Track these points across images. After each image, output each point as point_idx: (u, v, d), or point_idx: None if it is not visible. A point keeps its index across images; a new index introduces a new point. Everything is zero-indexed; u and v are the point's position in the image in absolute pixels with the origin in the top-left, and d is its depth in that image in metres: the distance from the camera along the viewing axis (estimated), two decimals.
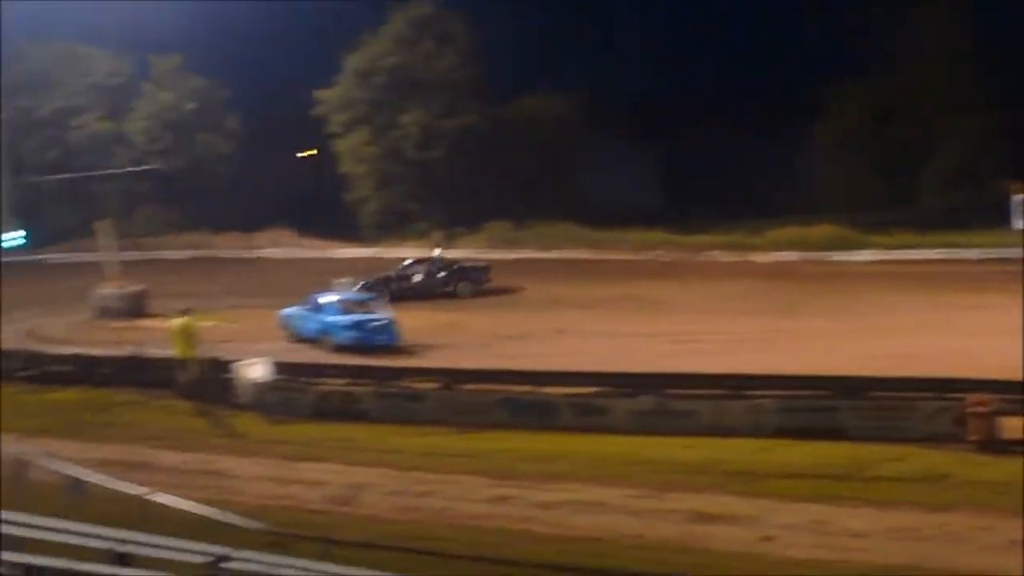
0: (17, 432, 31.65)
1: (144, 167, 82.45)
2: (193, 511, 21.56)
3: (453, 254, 60.90)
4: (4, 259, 73.44)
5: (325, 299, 45.31)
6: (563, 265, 64.16)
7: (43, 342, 47.04)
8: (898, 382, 31.37)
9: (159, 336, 42.58)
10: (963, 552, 21.24)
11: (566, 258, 66.37)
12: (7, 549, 6.89)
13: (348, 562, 17.72)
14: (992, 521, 22.32)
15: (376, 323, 43.74)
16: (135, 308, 52.75)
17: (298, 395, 35.25)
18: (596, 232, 69.17)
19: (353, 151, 78.00)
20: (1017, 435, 27.46)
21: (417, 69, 76.92)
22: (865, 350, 38.17)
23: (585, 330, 45.63)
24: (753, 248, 65.31)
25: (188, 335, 37.00)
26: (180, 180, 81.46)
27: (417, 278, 56.65)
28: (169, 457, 30.56)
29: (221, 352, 38.22)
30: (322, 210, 75.43)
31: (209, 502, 23.46)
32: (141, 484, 23.07)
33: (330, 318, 44.02)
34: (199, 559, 9.16)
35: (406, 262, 58.23)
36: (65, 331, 49.96)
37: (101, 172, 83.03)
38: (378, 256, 68.68)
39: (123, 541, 8.81)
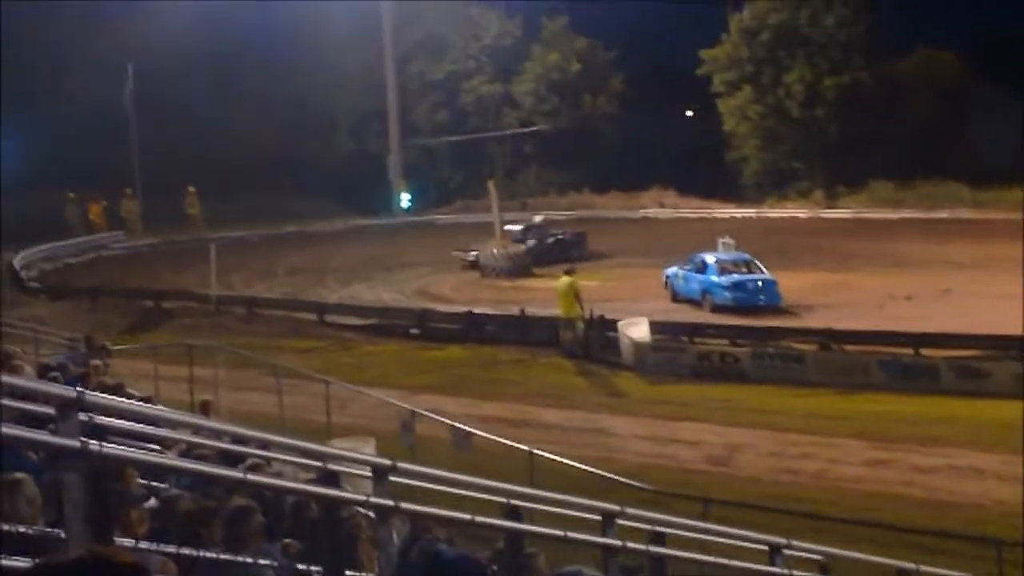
0: (406, 387, 33.14)
1: (530, 128, 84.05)
2: (577, 468, 22.12)
3: (835, 213, 59.75)
4: (396, 220, 76.49)
5: (707, 258, 45.27)
6: (947, 225, 62.47)
7: (432, 300, 48.77)
8: None
9: (543, 296, 43.63)
10: None
11: (950, 218, 64.54)
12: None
13: (725, 522, 18.02)
14: None
15: (757, 283, 43.60)
16: (520, 267, 53.81)
17: (678, 355, 35.58)
18: (980, 192, 67.06)
19: (736, 110, 77.76)
20: None
21: (803, 26, 75.94)
22: None
23: (971, 291, 44.38)
24: None
25: (572, 294, 37.70)
26: (565, 141, 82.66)
27: (530, 243, 56.78)
28: (552, 415, 31.30)
29: (604, 311, 38.83)
30: (704, 170, 75.47)
31: (591, 460, 24.04)
32: (525, 441, 23.75)
33: (711, 278, 44.07)
34: (590, 516, 9.58)
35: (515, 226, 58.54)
36: (453, 290, 51.51)
37: (489, 134, 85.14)
38: (760, 215, 68.37)
39: (514, 495, 9.33)
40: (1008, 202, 65.20)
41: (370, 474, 8.23)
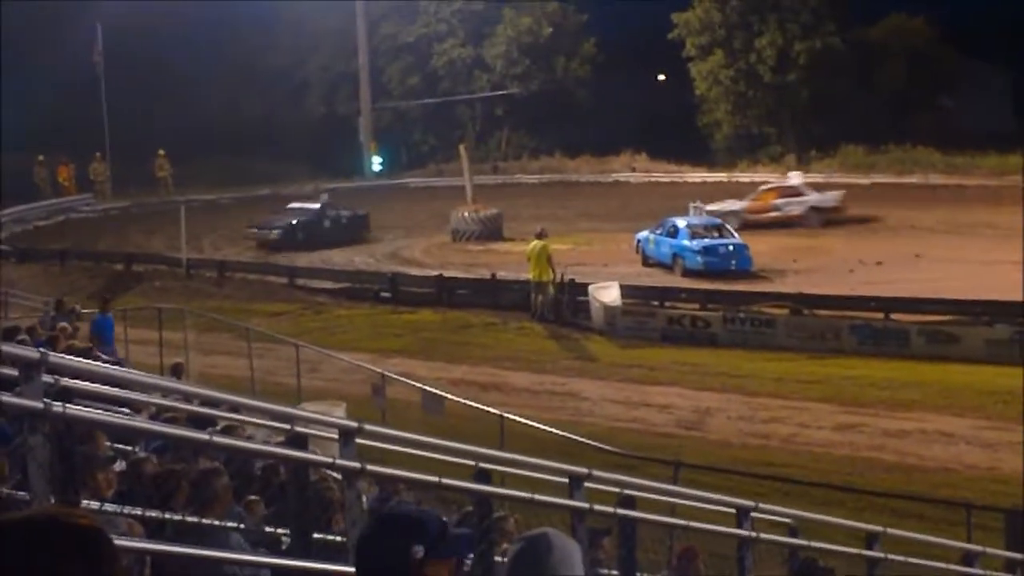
0: (377, 351, 33.17)
1: (502, 92, 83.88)
2: (547, 431, 22.19)
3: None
4: (367, 183, 76.26)
5: (678, 223, 45.28)
6: (918, 190, 62.65)
7: (404, 264, 48.74)
8: None
9: (514, 259, 43.66)
10: None
11: (921, 183, 64.73)
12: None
13: (695, 485, 18.09)
14: None
15: (729, 247, 43.70)
16: (491, 231, 53.69)
17: (649, 319, 35.69)
18: (952, 157, 67.28)
19: (708, 74, 77.61)
20: None
21: None
22: None
23: (941, 256, 44.52)
24: None
25: (544, 258, 37.72)
26: (537, 105, 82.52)
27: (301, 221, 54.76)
28: (523, 378, 31.44)
29: (575, 275, 38.88)
30: (675, 134, 75.43)
31: (561, 423, 24.13)
32: (496, 405, 23.81)
33: (683, 242, 44.13)
34: (558, 479, 9.62)
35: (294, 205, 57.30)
36: (423, 253, 51.49)
37: (460, 97, 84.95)
38: (731, 180, 68.47)
39: (483, 458, 9.33)
40: (981, 168, 65.48)
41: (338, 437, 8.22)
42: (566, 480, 9.32)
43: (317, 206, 56.08)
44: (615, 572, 10.04)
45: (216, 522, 7.91)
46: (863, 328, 32.71)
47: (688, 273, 42.91)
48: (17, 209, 61.44)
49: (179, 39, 76.07)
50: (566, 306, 37.38)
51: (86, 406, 6.71)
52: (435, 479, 8.12)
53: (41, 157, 71.86)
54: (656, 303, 37.43)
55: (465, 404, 23.55)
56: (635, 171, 75.46)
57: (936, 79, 75.09)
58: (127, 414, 9.59)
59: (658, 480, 13.85)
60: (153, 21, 74.64)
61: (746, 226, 49.90)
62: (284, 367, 28.56)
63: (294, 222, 54.19)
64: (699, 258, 43.17)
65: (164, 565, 6.85)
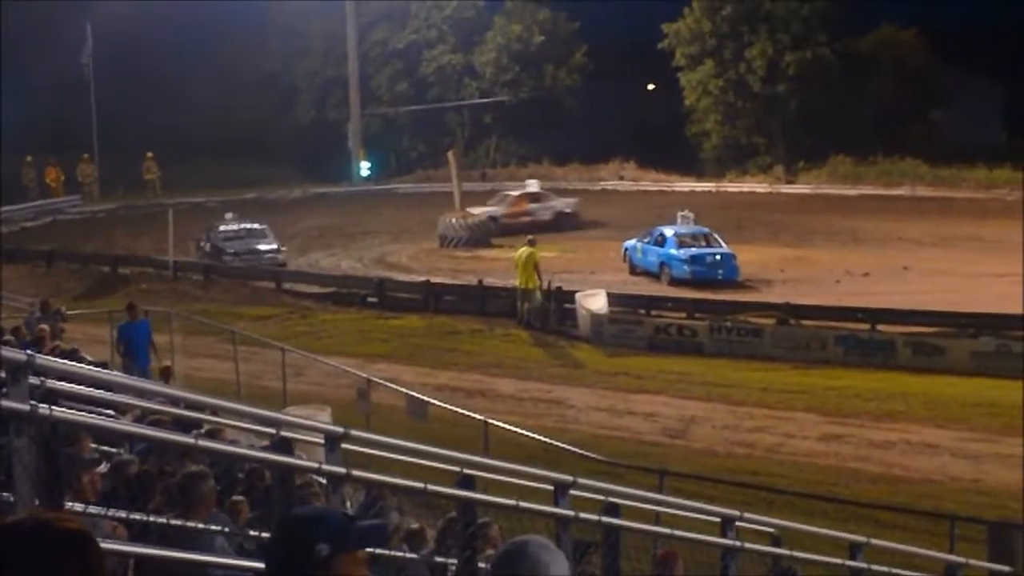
0: (362, 356, 33.15)
1: (491, 99, 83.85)
2: (531, 438, 22.20)
3: (794, 188, 59.85)
4: (355, 188, 76.24)
5: (666, 232, 45.29)
6: (906, 202, 62.78)
7: (391, 269, 48.71)
8: None
9: (502, 266, 43.67)
10: None
11: (909, 195, 64.85)
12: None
13: (680, 494, 18.09)
14: None
15: (716, 257, 43.72)
16: (479, 238, 53.58)
17: (635, 327, 35.70)
18: (940, 169, 67.40)
19: (698, 84, 77.61)
20: None
21: (765, 1, 75.89)
22: None
23: (929, 268, 44.62)
24: None
25: (531, 265, 37.64)
26: (526, 112, 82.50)
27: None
28: (508, 385, 31.41)
29: (562, 283, 38.89)
30: (664, 143, 75.50)
31: (546, 430, 24.13)
32: (481, 411, 23.81)
33: (670, 251, 44.11)
34: (543, 486, 9.61)
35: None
36: (410, 259, 51.41)
37: (450, 103, 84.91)
38: (719, 189, 68.54)
39: (467, 463, 9.32)
40: (968, 181, 65.60)
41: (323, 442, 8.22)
42: (551, 488, 9.32)
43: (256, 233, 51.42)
44: None
45: (200, 525, 7.90)
46: (849, 339, 32.77)
47: (675, 282, 42.89)
48: (4, 209, 61.30)
49: (169, 42, 75.97)
50: (553, 313, 37.38)
51: (70, 408, 6.70)
52: (420, 485, 8.12)
53: (29, 158, 71.73)
54: (643, 312, 37.49)
55: (449, 410, 23.57)
56: (623, 179, 75.46)
57: (925, 91, 75.18)
58: (112, 416, 9.58)
59: (643, 488, 13.90)
60: (143, 24, 74.46)
61: (503, 229, 52.67)
62: (270, 371, 28.56)
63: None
64: (686, 267, 43.17)
65: (147, 568, 6.85)
